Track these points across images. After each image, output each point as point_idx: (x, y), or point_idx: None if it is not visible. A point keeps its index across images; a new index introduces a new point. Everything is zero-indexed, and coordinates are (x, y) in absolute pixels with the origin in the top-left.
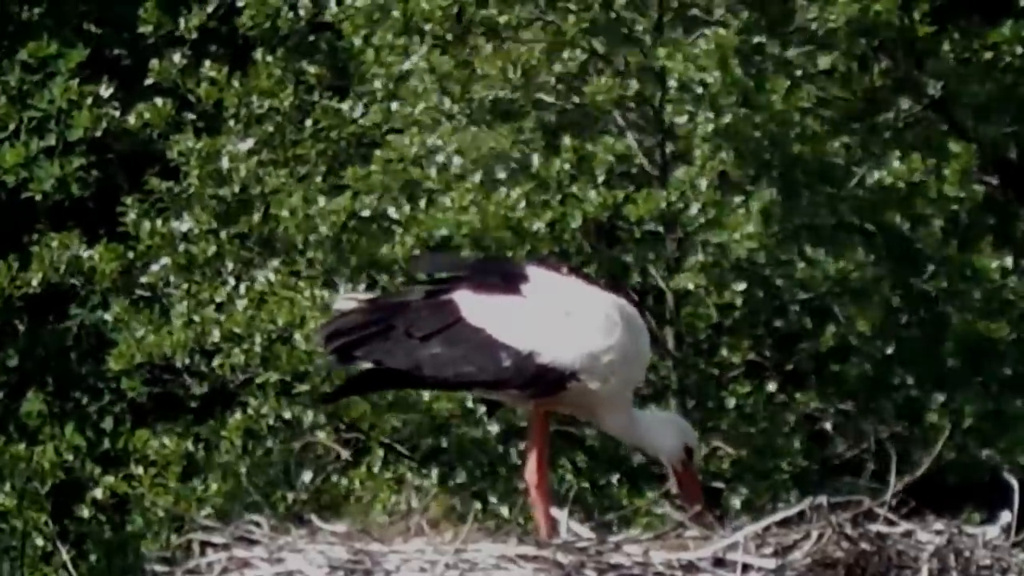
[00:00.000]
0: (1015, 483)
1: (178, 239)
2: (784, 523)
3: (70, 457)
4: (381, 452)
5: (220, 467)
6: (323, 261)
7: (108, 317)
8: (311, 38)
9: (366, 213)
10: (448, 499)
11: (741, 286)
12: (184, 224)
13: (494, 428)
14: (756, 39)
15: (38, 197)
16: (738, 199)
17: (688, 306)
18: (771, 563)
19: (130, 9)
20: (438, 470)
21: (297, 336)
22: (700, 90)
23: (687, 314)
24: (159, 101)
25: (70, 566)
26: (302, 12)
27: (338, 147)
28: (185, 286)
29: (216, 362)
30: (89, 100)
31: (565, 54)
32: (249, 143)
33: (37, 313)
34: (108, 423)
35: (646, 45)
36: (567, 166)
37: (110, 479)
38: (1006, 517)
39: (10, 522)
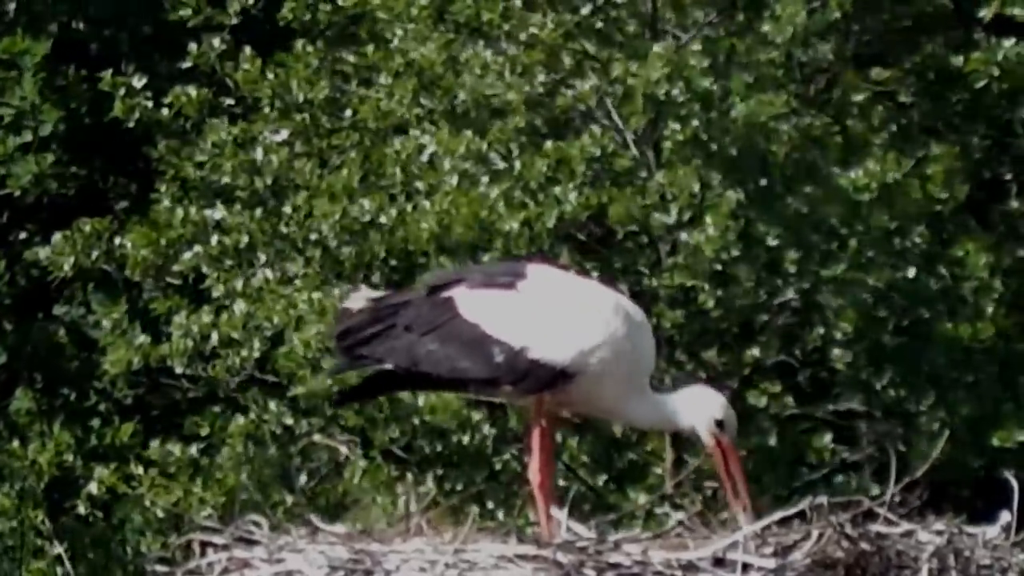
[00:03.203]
0: (1015, 483)
1: (211, 228)
2: (784, 523)
3: (69, 458)
4: (376, 457)
5: (221, 474)
6: (321, 262)
7: (106, 324)
8: (351, 29)
9: (367, 217)
10: (447, 502)
11: (706, 286)
12: (217, 213)
13: (490, 432)
14: (729, 43)
15: (16, 193)
16: (711, 201)
17: (656, 306)
18: (771, 563)
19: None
20: (433, 475)
21: (295, 339)
22: (663, 95)
23: (655, 313)
24: (192, 91)
25: (67, 564)
26: (340, 1)
27: (375, 137)
28: (215, 275)
29: (213, 366)
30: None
31: (562, 56)
32: (283, 134)
33: (24, 311)
34: (95, 421)
35: (634, 49)
36: (544, 168)
37: (104, 471)
38: (1006, 517)
39: (8, 521)
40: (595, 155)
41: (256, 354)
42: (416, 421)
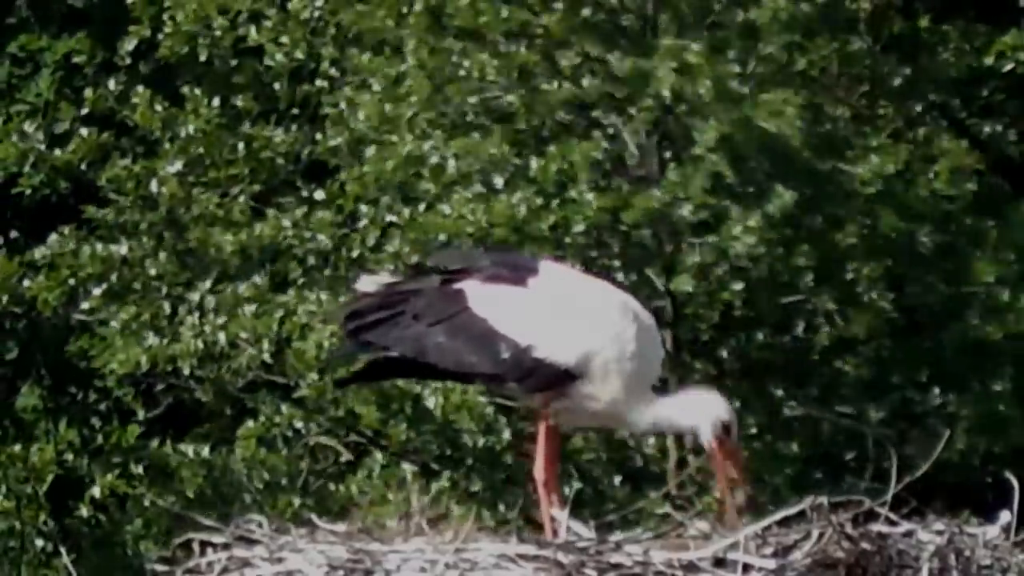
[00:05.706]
0: (1015, 482)
1: (117, 263)
2: (785, 523)
3: (69, 457)
4: (380, 456)
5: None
6: (320, 269)
7: (115, 324)
8: (234, 63)
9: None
10: (453, 502)
11: (739, 286)
12: (123, 248)
13: (506, 435)
14: (737, 44)
15: (28, 191)
16: (738, 208)
17: (689, 307)
18: (772, 563)
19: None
20: (449, 476)
21: (305, 342)
22: (697, 92)
23: (689, 315)
24: (85, 132)
25: (70, 566)
26: (218, 33)
27: (270, 169)
28: (125, 313)
29: (229, 368)
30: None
31: (561, 57)
32: (177, 165)
33: (33, 306)
34: (98, 421)
35: (640, 47)
36: (554, 172)
37: (109, 477)
38: (1006, 517)
39: (9, 522)
40: (599, 159)
41: (266, 356)
42: (437, 423)
